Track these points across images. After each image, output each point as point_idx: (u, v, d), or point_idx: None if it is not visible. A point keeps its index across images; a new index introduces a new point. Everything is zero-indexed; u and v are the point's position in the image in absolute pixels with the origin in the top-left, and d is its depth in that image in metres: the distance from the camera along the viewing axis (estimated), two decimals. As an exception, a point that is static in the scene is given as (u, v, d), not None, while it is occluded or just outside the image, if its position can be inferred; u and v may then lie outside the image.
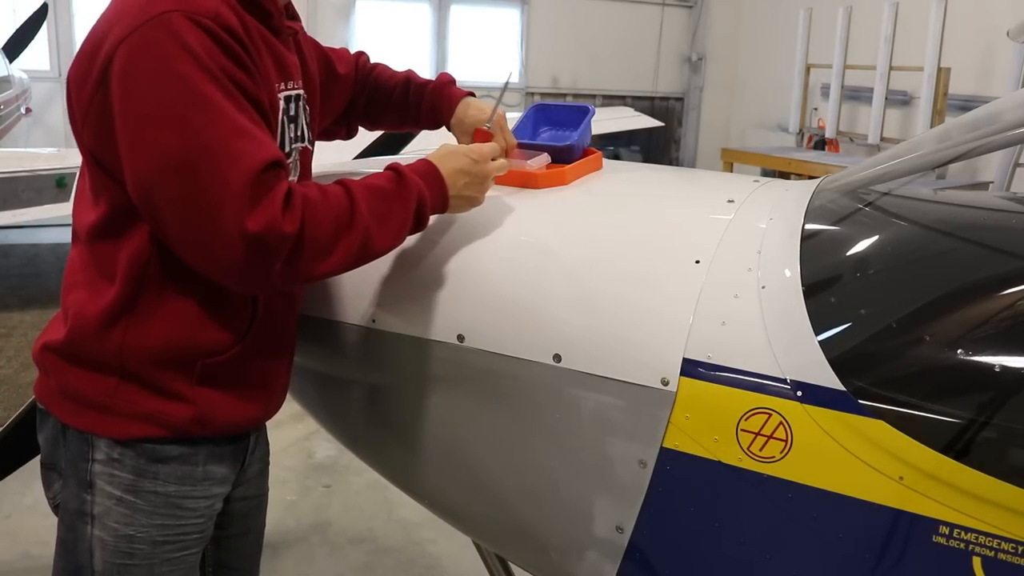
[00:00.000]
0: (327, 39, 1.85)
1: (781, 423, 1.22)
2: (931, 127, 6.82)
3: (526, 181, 1.61)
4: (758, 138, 10.24)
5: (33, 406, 1.49)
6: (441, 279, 1.47)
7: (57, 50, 8.42)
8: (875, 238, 1.50)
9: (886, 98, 7.62)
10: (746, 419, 1.24)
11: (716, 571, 1.32)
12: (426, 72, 1.79)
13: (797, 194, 1.57)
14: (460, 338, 1.44)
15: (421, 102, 1.75)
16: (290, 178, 1.43)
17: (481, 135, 1.62)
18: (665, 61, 11.07)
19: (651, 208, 1.60)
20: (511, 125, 1.76)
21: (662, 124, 8.65)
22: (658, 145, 11.18)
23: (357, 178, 1.35)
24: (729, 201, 1.51)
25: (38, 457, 1.48)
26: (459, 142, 1.71)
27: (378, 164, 1.49)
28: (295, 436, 3.95)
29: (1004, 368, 1.21)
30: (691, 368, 1.28)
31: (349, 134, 1.85)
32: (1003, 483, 1.11)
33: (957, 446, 1.15)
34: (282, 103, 1.39)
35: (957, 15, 6.97)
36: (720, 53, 11.02)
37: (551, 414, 1.39)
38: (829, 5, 8.16)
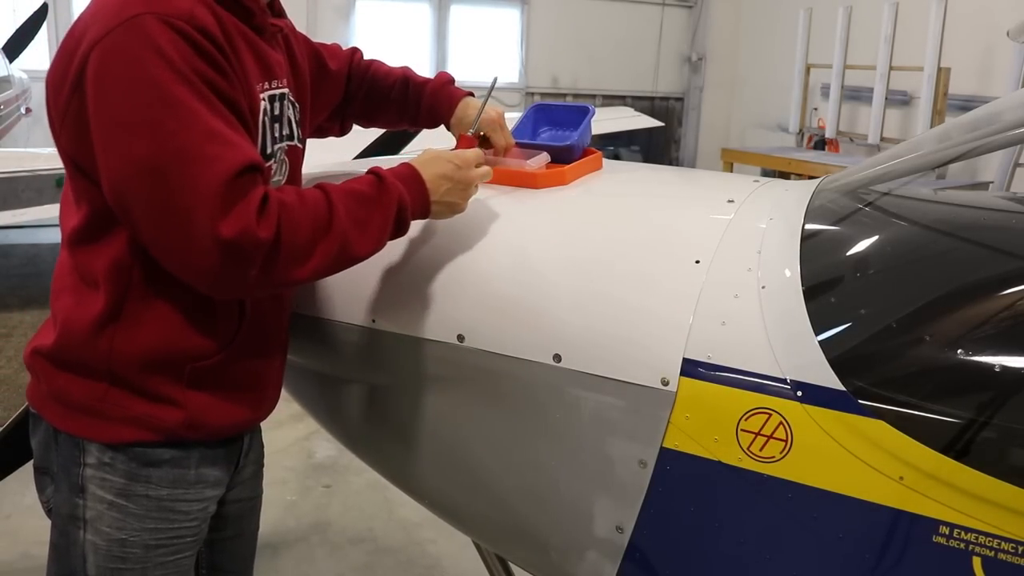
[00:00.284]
0: (327, 39, 1.85)
1: (781, 423, 1.22)
2: (931, 127, 6.82)
3: (526, 181, 1.61)
4: (758, 138, 10.24)
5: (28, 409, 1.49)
6: (441, 279, 1.47)
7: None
8: (875, 238, 1.49)
9: (886, 98, 7.62)
10: (746, 419, 1.24)
11: (716, 571, 1.32)
12: (426, 72, 1.79)
13: (797, 194, 1.57)
14: (460, 338, 1.44)
15: (420, 101, 1.74)
16: (277, 177, 1.43)
17: (465, 141, 1.61)
18: (665, 61, 11.07)
19: (651, 208, 1.60)
20: (511, 125, 1.76)
21: (662, 124, 8.64)
22: (658, 145, 11.18)
23: (341, 181, 1.33)
24: (729, 201, 1.51)
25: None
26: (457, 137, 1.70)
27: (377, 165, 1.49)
28: (295, 436, 3.95)
29: (1004, 368, 1.21)
30: (691, 368, 1.28)
31: (343, 131, 1.83)
32: (1003, 483, 1.11)
33: (957, 446, 1.15)
34: (265, 103, 1.36)
35: (957, 15, 6.97)
36: (720, 53, 11.03)
37: (551, 414, 1.39)
38: (829, 5, 8.16)
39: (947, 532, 1.13)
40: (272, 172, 1.41)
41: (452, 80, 1.76)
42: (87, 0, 1.28)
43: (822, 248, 1.44)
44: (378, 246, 1.35)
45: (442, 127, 1.77)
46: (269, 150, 1.39)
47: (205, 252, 1.17)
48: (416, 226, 1.52)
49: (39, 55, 8.19)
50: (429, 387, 1.52)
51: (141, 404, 1.33)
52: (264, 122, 1.36)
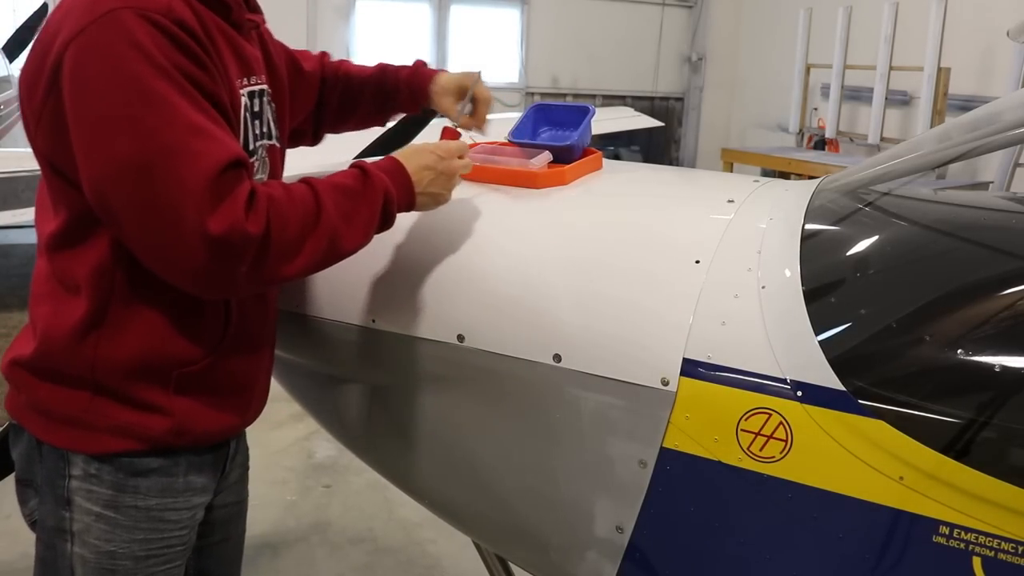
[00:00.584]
0: (327, 39, 1.86)
1: (781, 423, 1.22)
2: (931, 127, 6.82)
3: (526, 181, 1.61)
4: (758, 138, 10.24)
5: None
6: (441, 279, 1.47)
7: (57, 50, 8.41)
8: (875, 238, 1.50)
9: (886, 98, 7.62)
10: (746, 419, 1.24)
11: (716, 571, 1.32)
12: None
13: (797, 194, 1.57)
14: (460, 338, 1.44)
15: (398, 83, 1.72)
16: (257, 177, 1.39)
17: (449, 133, 1.61)
18: (665, 61, 11.07)
19: (651, 208, 1.60)
20: (510, 126, 1.76)
21: (662, 124, 8.64)
22: (658, 145, 11.17)
23: (321, 177, 1.32)
24: (729, 201, 1.51)
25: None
26: (442, 104, 1.70)
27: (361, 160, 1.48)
28: (295, 436, 3.95)
29: (1004, 368, 1.21)
30: (691, 368, 1.28)
31: (316, 139, 1.79)
32: (1003, 483, 1.11)
33: (957, 446, 1.15)
34: (245, 99, 1.34)
35: (957, 15, 6.97)
36: (720, 53, 11.02)
37: (551, 414, 1.39)
38: (829, 5, 8.16)
39: (947, 532, 1.13)
40: (255, 170, 1.38)
41: (426, 64, 1.76)
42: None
43: (822, 248, 1.44)
44: (365, 240, 1.33)
45: (438, 129, 1.77)
46: (251, 146, 1.37)
47: (193, 250, 1.14)
48: (416, 226, 1.52)
49: (39, 55, 8.19)
50: (429, 387, 1.52)
51: (126, 412, 1.31)
52: (245, 118, 1.34)
